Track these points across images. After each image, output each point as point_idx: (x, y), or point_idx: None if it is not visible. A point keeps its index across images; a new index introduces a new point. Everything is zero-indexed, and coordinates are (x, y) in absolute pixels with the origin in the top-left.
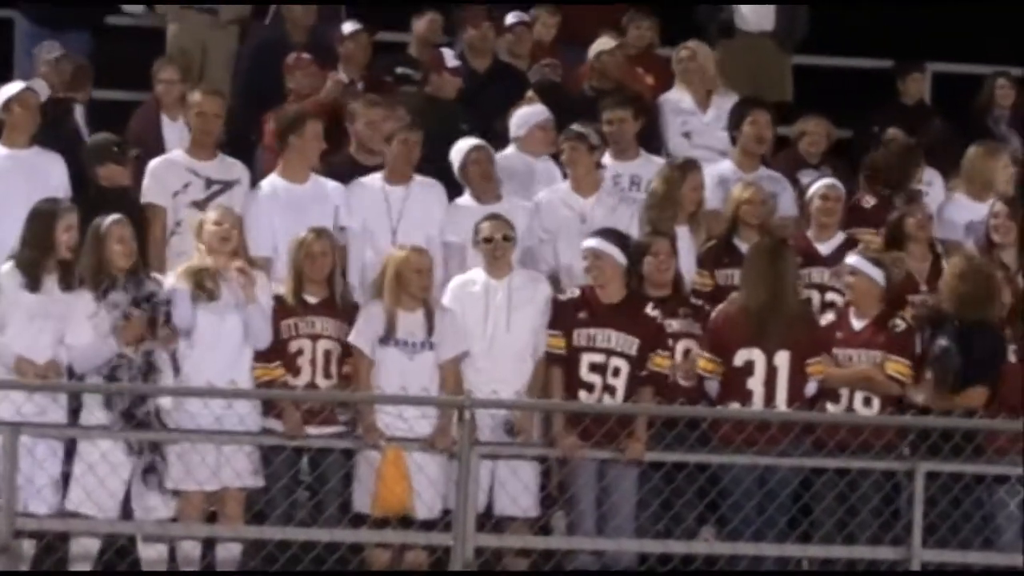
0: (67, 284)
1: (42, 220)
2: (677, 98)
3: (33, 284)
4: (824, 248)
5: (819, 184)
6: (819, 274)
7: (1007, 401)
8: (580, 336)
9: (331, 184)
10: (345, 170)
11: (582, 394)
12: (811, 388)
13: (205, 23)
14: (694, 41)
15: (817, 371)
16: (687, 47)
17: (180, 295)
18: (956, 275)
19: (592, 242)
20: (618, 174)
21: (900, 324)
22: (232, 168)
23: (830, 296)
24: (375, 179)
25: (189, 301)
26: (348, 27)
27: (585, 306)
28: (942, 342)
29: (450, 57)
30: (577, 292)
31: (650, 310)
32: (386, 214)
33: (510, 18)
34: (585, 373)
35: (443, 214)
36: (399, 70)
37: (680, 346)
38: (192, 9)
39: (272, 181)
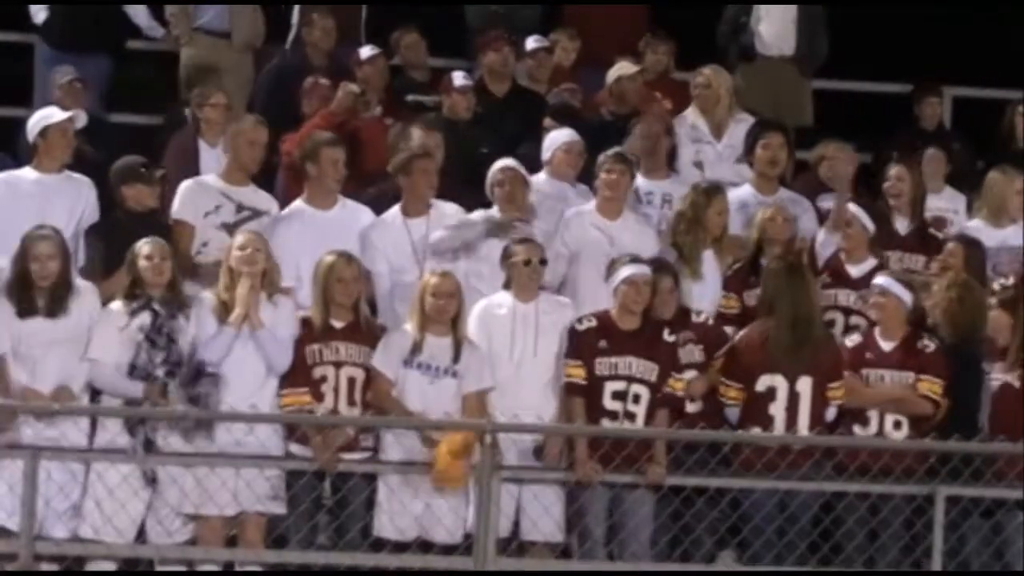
0: (50, 312)
1: (21, 248)
2: (692, 122)
3: (21, 312)
4: (855, 271)
5: None
6: (845, 296)
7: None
8: (602, 365)
9: (363, 211)
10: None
11: (604, 422)
12: (831, 413)
13: (219, 48)
14: (711, 68)
15: (838, 396)
16: (702, 73)
17: (222, 335)
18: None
19: (646, 270)
20: (650, 192)
21: (930, 345)
22: (265, 199)
23: (854, 320)
24: (393, 216)
25: (228, 339)
26: (366, 51)
27: (604, 334)
28: None
29: (459, 77)
30: (594, 321)
31: (667, 335)
32: (411, 249)
33: (530, 43)
34: (608, 401)
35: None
36: (410, 98)
37: (686, 376)
38: (202, 32)
39: (299, 206)
